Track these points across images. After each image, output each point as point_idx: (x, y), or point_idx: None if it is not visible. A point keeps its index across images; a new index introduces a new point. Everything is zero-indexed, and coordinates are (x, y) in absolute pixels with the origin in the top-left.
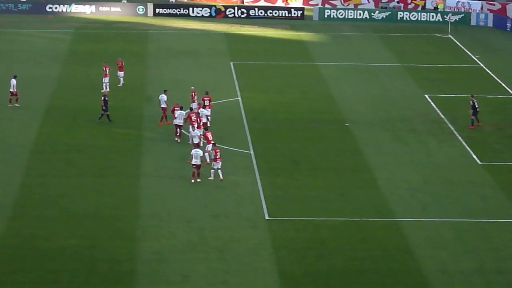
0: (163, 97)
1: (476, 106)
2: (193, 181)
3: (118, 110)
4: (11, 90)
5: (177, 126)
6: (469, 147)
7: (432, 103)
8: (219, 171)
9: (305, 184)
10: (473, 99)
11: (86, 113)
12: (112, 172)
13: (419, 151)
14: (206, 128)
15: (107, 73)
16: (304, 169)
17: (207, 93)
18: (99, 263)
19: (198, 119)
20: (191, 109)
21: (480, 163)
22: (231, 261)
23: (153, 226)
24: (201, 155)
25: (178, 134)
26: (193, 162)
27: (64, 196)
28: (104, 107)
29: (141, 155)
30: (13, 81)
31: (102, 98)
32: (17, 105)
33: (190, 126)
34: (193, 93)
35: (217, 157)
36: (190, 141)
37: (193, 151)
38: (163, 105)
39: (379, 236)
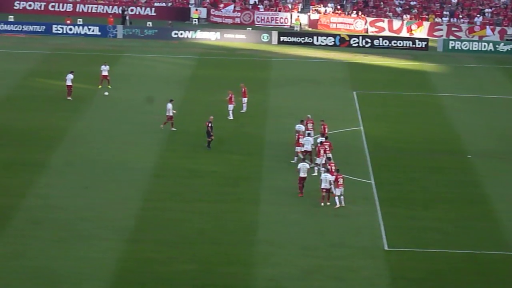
0: (301, 127)
1: None
2: (322, 204)
3: (240, 137)
4: (168, 114)
5: (306, 152)
6: None
7: None
8: (338, 197)
9: (424, 215)
10: None
11: None
12: (232, 198)
13: None
14: (329, 158)
15: (233, 100)
16: (423, 200)
17: (322, 121)
18: None
19: (321, 149)
20: (326, 138)
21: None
22: None
23: (270, 253)
24: (330, 179)
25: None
26: (322, 186)
27: (183, 221)
28: (210, 133)
29: (260, 182)
30: (169, 105)
31: (208, 124)
32: (173, 129)
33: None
34: (307, 122)
35: (339, 184)
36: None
37: (322, 176)
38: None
39: (496, 269)
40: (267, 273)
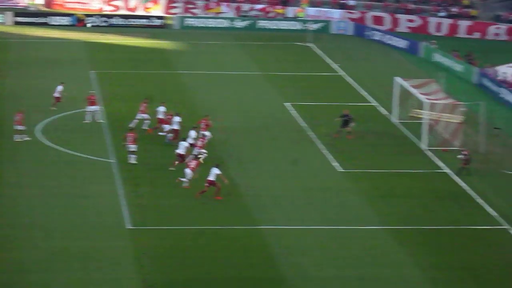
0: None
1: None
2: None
3: None
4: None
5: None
6: (330, 154)
7: (293, 111)
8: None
9: (166, 192)
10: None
11: None
12: None
13: (281, 159)
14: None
15: None
16: (166, 178)
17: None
18: None
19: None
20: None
21: (340, 170)
22: (93, 271)
23: (13, 237)
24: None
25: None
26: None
27: None
28: None
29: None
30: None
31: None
32: None
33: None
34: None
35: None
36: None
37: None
38: (160, 116)
39: (241, 244)
40: (12, 256)
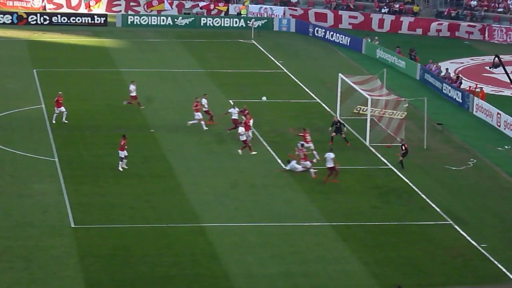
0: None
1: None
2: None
3: None
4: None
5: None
6: (273, 151)
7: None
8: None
9: (110, 191)
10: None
11: None
12: None
13: (224, 156)
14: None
15: None
16: (109, 176)
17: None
18: None
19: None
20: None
21: (285, 167)
22: (37, 270)
23: None
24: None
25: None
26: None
27: None
28: None
29: None
30: None
31: None
32: None
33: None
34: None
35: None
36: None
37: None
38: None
39: (185, 241)
40: None
